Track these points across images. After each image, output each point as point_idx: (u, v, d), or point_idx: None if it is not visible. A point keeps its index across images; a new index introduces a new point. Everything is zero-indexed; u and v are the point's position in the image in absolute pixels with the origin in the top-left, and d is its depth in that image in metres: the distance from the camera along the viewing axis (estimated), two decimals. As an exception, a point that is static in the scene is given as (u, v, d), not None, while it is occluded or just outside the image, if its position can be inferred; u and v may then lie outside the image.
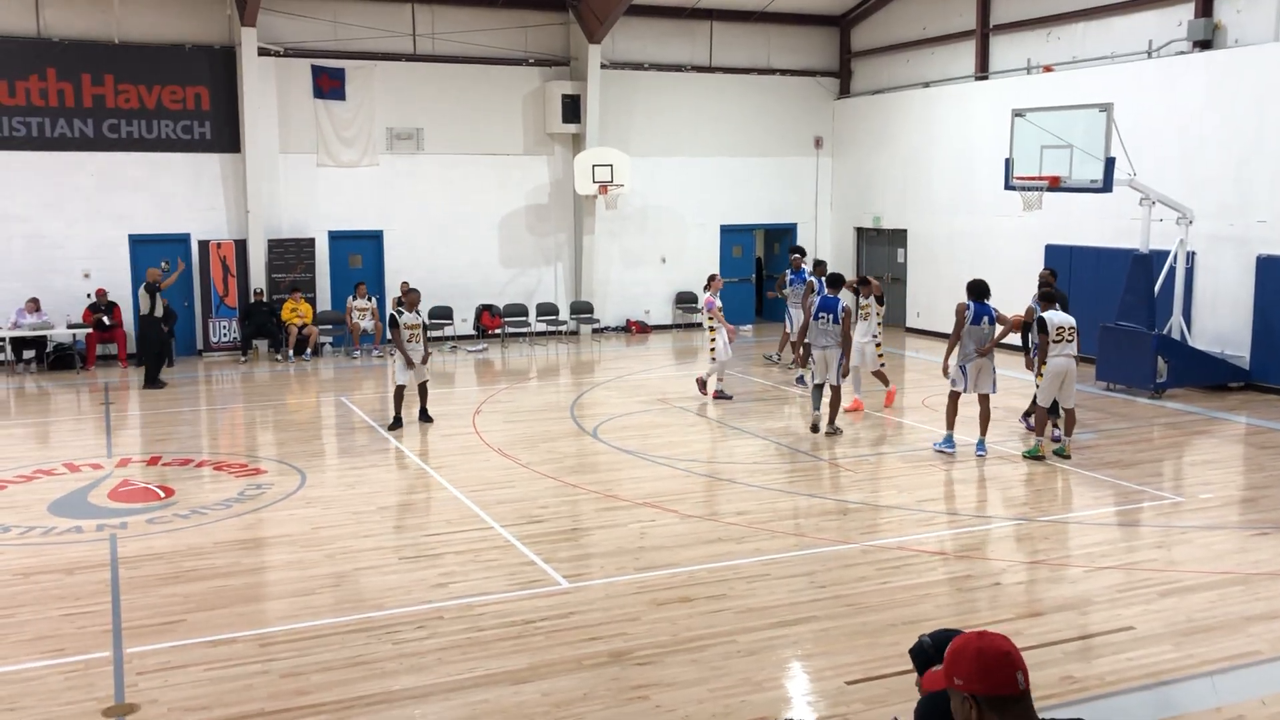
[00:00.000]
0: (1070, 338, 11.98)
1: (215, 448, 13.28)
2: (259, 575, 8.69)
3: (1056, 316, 11.97)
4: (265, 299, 19.89)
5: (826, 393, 13.35)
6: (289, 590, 8.25)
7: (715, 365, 15.45)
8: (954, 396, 12.28)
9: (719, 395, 15.44)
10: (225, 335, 20.03)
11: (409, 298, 14.16)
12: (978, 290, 12.31)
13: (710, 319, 15.43)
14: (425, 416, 14.05)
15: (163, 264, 18.45)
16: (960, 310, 12.14)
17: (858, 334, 14.41)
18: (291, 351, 19.44)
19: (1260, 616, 7.51)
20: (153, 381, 16.84)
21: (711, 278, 16.00)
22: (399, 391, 13.79)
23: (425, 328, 14.08)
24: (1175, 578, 8.31)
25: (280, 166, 20.32)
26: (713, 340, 15.31)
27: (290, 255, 20.24)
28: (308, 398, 16.59)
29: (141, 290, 17.11)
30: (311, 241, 20.47)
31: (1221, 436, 13.44)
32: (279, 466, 12.00)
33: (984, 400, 12.16)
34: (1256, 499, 10.56)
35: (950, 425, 12.27)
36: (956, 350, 12.25)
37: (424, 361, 13.91)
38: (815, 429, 13.33)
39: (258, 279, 19.97)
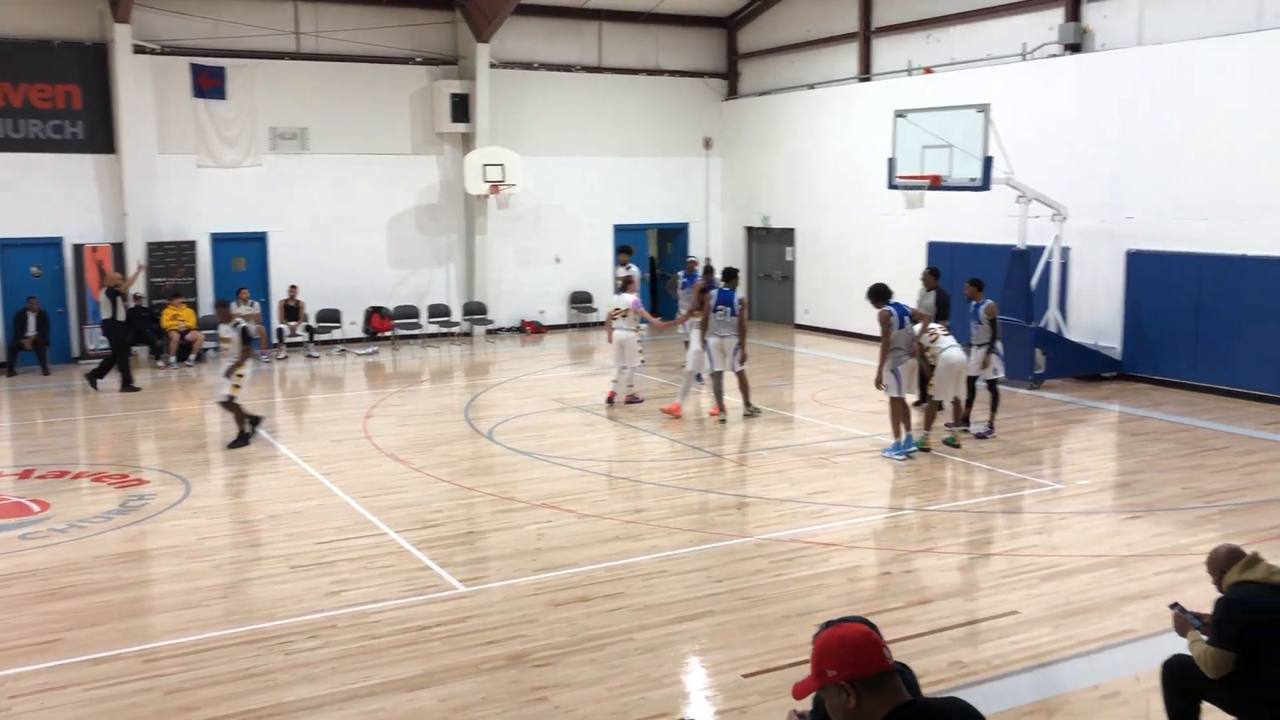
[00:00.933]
0: (945, 331, 12.43)
1: (94, 459, 12.80)
2: (143, 589, 8.41)
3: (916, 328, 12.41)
4: (145, 304, 19.24)
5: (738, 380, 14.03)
6: (175, 603, 8.00)
7: (630, 371, 15.13)
8: (895, 402, 11.99)
9: (633, 400, 15.09)
10: (104, 342, 19.29)
11: (219, 312, 13.33)
12: (886, 293, 12.11)
13: (639, 320, 15.13)
14: (238, 442, 12.87)
15: (33, 270, 17.70)
16: (886, 318, 11.84)
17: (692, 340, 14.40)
18: (174, 358, 18.85)
19: (1134, 596, 7.84)
20: (127, 384, 16.62)
21: (628, 279, 15.79)
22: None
23: (246, 339, 12.81)
24: (1055, 562, 8.62)
25: (159, 167, 19.69)
26: (641, 345, 15.16)
27: (171, 259, 19.63)
28: (191, 405, 16.10)
29: (103, 294, 16.83)
30: (193, 244, 19.89)
31: (1097, 425, 13.99)
32: (162, 476, 11.63)
33: (903, 401, 12.16)
34: (1130, 483, 11.02)
35: (898, 431, 11.96)
36: (894, 354, 11.97)
37: (227, 375, 12.78)
38: (723, 419, 14.01)
39: (136, 283, 19.29)
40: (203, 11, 19.76)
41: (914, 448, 12.00)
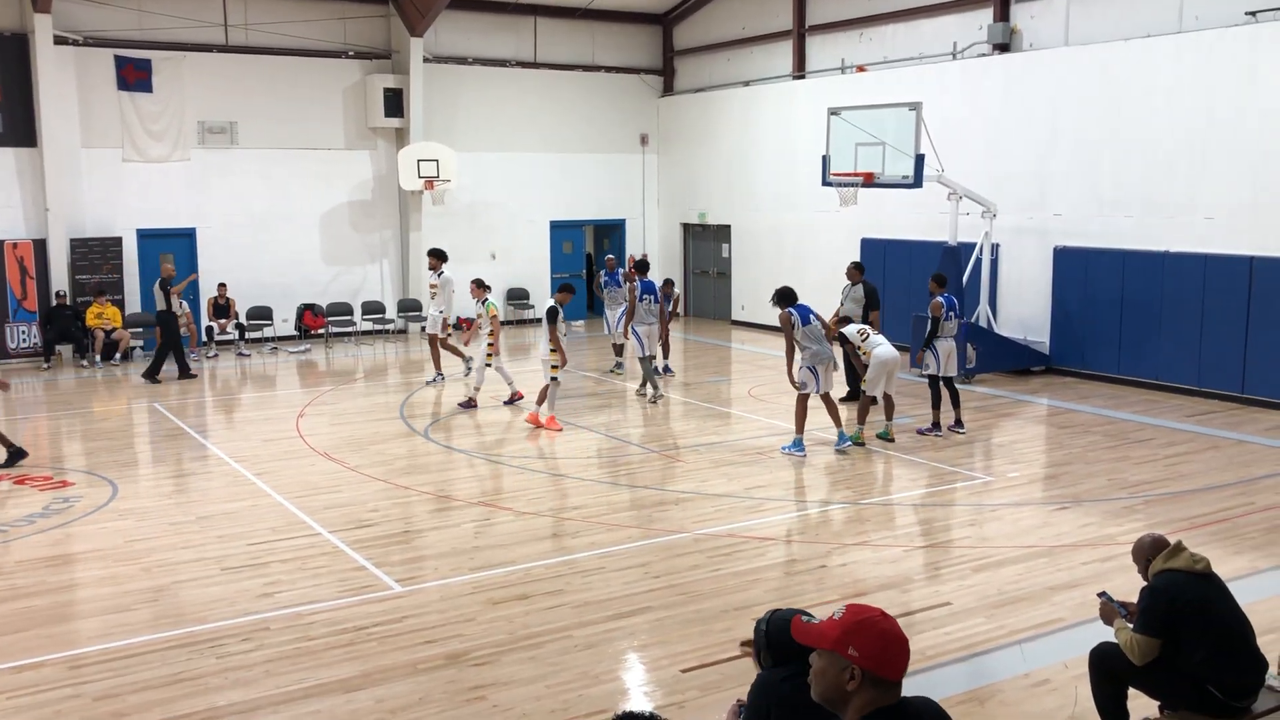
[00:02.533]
0: (876, 329, 12.65)
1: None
2: (68, 594, 8.21)
3: (850, 328, 12.58)
4: (69, 302, 18.79)
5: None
6: (102, 608, 7.82)
7: (480, 374, 14.76)
8: (804, 399, 12.06)
9: (469, 404, 14.64)
10: (25, 341, 18.84)
11: None
12: (791, 296, 12.12)
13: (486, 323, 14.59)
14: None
15: None
16: (786, 319, 11.92)
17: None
18: (99, 357, 18.42)
19: (1062, 586, 8.00)
20: (184, 372, 17.21)
21: (477, 282, 15.16)
22: None
23: None
24: (987, 553, 8.78)
25: (83, 161, 19.22)
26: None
27: (95, 255, 19.18)
28: (117, 405, 15.74)
29: (155, 288, 17.26)
30: (118, 241, 19.45)
31: (1026, 418, 14.26)
32: (88, 478, 11.36)
33: (827, 397, 12.26)
34: (1058, 475, 11.24)
35: (800, 428, 12.05)
36: (800, 354, 11.99)
37: None
38: (656, 399, 15.03)
39: (60, 281, 18.85)
40: (127, 2, 19.31)
41: (804, 451, 12.04)
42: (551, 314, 13.31)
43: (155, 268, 20.00)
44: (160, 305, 17.16)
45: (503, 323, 17.45)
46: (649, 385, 15.14)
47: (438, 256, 16.65)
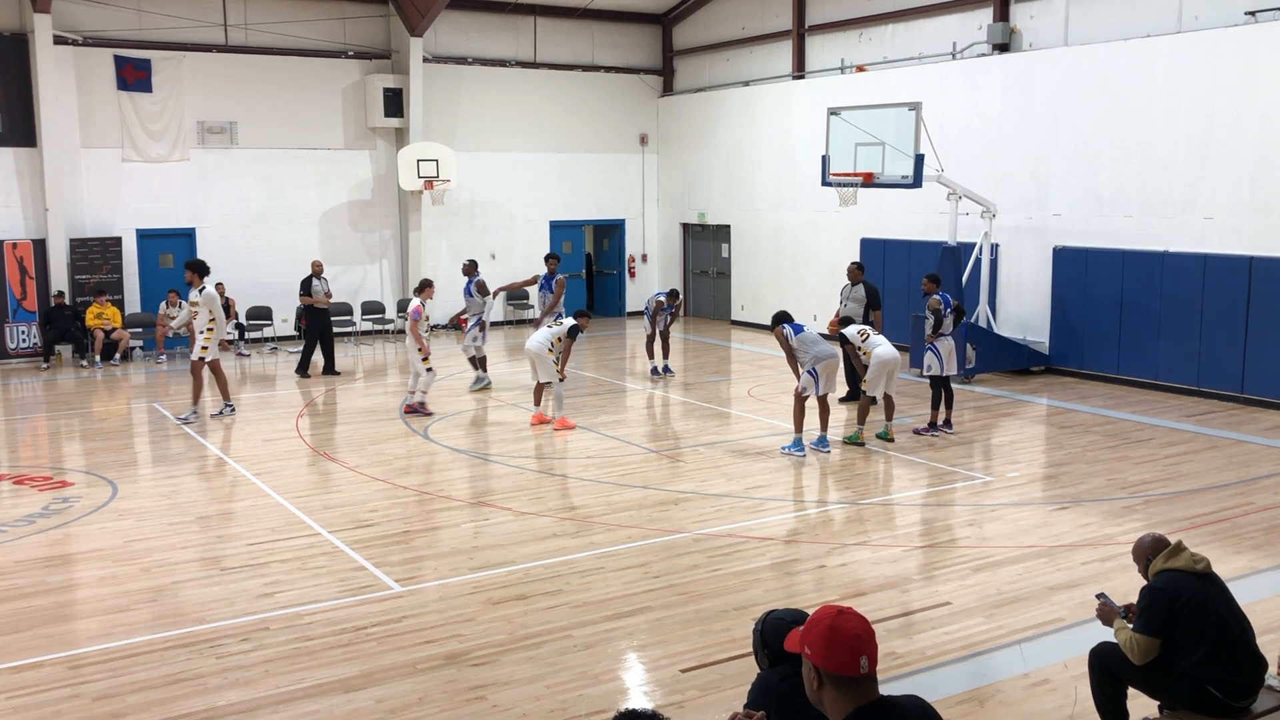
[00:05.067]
0: (876, 329, 12.70)
1: (15, 461, 12.45)
2: (68, 594, 8.20)
3: (851, 329, 12.64)
4: (68, 302, 18.79)
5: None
6: (101, 608, 7.82)
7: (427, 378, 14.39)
8: (802, 400, 12.14)
9: (419, 409, 14.34)
10: (24, 341, 18.84)
11: None
12: (783, 317, 12.35)
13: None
14: None
15: None
16: (780, 334, 12.15)
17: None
18: (99, 357, 18.42)
19: (1061, 586, 8.00)
20: (330, 368, 17.66)
21: (426, 283, 14.90)
22: None
23: None
24: (986, 553, 8.77)
25: (82, 161, 19.22)
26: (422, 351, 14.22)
27: (95, 255, 19.18)
28: (117, 405, 15.74)
29: (301, 284, 17.99)
30: (118, 241, 19.45)
31: (1025, 418, 14.26)
32: (87, 478, 11.36)
33: (823, 399, 12.28)
34: (1057, 475, 11.24)
35: (799, 428, 12.11)
36: (802, 362, 12.05)
37: None
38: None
39: (59, 281, 18.85)
40: (126, 1, 19.31)
41: (803, 451, 12.07)
42: (573, 331, 13.72)
43: (155, 268, 20.08)
44: (307, 300, 17.70)
45: (502, 323, 17.33)
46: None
47: (197, 270, 14.24)
